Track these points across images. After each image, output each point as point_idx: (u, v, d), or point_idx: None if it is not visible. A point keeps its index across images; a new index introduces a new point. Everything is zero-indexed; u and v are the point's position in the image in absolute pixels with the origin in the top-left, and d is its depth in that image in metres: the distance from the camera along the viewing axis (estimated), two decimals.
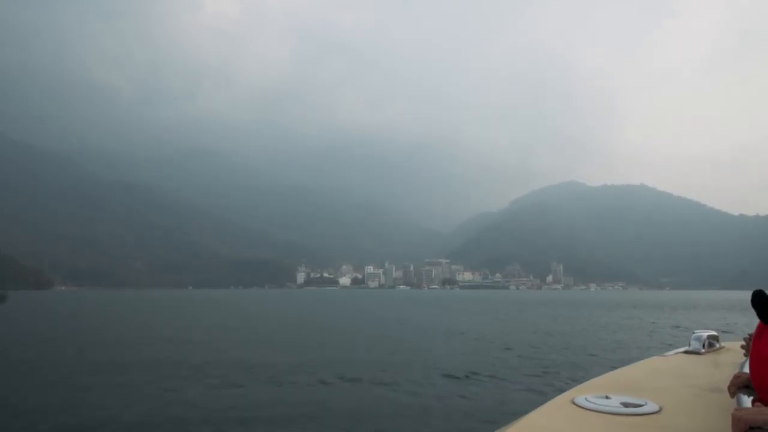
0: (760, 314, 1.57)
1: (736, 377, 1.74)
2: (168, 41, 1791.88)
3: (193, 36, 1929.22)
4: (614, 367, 2.71)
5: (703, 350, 2.94)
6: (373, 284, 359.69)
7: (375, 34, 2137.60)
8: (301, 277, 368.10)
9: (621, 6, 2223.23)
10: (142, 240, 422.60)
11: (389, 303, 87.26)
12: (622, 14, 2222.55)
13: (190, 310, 59.03)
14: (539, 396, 10.62)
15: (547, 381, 13.62)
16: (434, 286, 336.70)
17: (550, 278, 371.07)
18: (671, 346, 3.25)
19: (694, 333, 3.09)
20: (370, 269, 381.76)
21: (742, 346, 2.30)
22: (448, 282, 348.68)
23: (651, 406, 1.80)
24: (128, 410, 10.54)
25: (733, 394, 1.67)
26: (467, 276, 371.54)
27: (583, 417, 1.73)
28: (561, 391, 2.09)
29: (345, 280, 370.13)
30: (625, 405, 1.81)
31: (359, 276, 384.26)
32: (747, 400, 1.53)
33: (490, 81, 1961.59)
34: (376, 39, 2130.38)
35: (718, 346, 3.09)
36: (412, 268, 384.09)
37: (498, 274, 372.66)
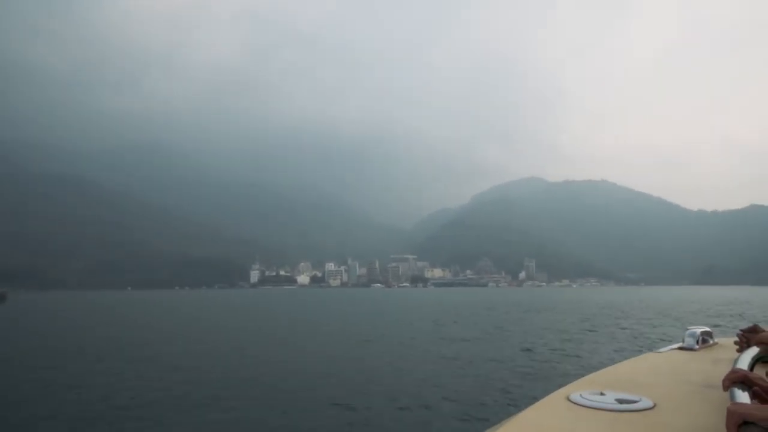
0: None
1: (731, 373, 1.73)
2: (107, 23, 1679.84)
3: (137, 19, 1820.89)
4: (609, 364, 2.69)
5: (697, 346, 2.94)
6: (334, 282, 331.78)
7: (330, 26, 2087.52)
8: (255, 276, 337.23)
9: (577, 2, 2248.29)
10: (77, 237, 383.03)
11: (361, 304, 75.68)
12: (579, 10, 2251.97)
13: (106, 314, 50.79)
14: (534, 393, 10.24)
15: None
16: (404, 284, 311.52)
17: (523, 275, 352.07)
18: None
19: (687, 329, 3.07)
20: (331, 266, 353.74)
21: (736, 342, 2.30)
22: (419, 279, 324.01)
23: (645, 403, 1.79)
24: None
25: (726, 388, 1.65)
26: (437, 273, 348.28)
27: (578, 413, 1.71)
28: (556, 387, 2.04)
29: (303, 279, 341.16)
30: (620, 401, 1.80)
31: (319, 274, 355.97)
32: (741, 396, 1.51)
33: (446, 76, 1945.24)
34: (332, 30, 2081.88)
35: (711, 342, 3.08)
36: (377, 264, 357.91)
37: (468, 271, 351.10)
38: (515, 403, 10.54)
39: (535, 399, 1.92)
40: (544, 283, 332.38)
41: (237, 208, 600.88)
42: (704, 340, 3.01)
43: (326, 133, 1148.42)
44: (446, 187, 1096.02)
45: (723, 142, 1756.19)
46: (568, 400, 1.84)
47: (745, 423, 1.26)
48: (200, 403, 11.35)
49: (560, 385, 2.06)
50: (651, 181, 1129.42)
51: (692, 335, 2.98)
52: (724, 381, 1.68)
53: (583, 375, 2.34)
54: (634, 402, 1.79)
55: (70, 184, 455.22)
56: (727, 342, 2.90)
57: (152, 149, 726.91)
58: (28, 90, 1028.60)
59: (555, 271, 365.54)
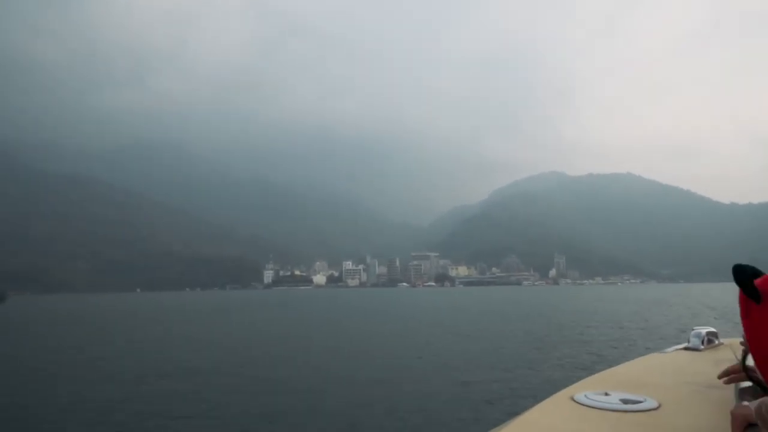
0: (747, 289, 1.44)
1: (734, 369, 1.74)
2: (109, 20, 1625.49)
3: (139, 15, 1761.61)
4: (613, 364, 2.68)
5: (702, 347, 2.90)
6: (353, 282, 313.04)
7: (339, 17, 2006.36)
8: (268, 276, 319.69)
9: None
10: (85, 238, 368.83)
11: (392, 306, 68.22)
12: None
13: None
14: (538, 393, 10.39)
15: None
16: (429, 283, 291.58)
17: (553, 272, 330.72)
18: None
19: (693, 330, 3.03)
20: (348, 265, 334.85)
21: (742, 343, 2.17)
22: (444, 278, 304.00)
23: (650, 403, 1.78)
24: None
25: (728, 382, 1.70)
26: (462, 271, 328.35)
27: (582, 414, 1.71)
28: (560, 388, 2.03)
29: (320, 279, 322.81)
30: (625, 402, 1.79)
31: (336, 273, 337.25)
32: (746, 397, 1.52)
33: (456, 68, 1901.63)
34: (340, 22, 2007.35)
35: (717, 342, 3.03)
36: (398, 263, 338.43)
37: (494, 269, 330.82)
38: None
39: (539, 399, 1.91)
40: (588, 281, 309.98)
41: (249, 207, 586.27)
42: (710, 340, 2.98)
43: (335, 129, 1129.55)
44: (461, 184, 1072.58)
45: (742, 132, 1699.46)
46: (573, 400, 1.83)
47: (751, 425, 1.25)
48: None
49: (564, 386, 2.05)
50: (676, 173, 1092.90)
51: (697, 335, 2.95)
52: (724, 374, 1.73)
53: (587, 375, 2.30)
54: (639, 402, 1.77)
55: (77, 184, 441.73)
56: (733, 342, 2.84)
57: (161, 148, 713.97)
58: (32, 90, 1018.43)
59: (585, 267, 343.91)
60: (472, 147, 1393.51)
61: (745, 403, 1.35)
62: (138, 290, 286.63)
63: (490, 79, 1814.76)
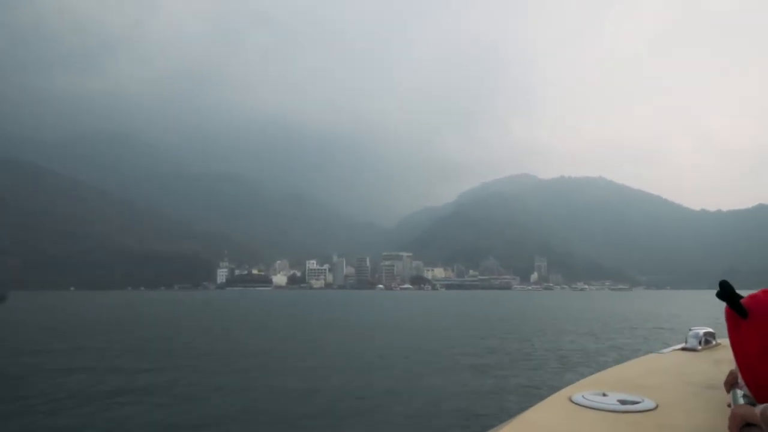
0: (734, 306, 1.48)
1: (732, 374, 1.70)
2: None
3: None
4: (611, 365, 2.64)
5: (699, 347, 2.87)
6: (317, 283, 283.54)
7: (306, 11, 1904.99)
8: (222, 275, 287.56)
9: None
10: (18, 231, 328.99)
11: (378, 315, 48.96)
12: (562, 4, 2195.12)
13: None
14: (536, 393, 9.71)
15: None
16: (406, 286, 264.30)
17: (535, 276, 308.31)
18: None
19: (690, 330, 3.00)
20: (312, 264, 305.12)
21: None
22: (420, 280, 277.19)
23: (648, 404, 1.76)
24: None
25: (729, 390, 1.62)
26: (438, 273, 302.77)
27: (580, 414, 1.68)
28: (558, 388, 2.00)
29: (280, 279, 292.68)
30: (622, 402, 1.76)
31: (298, 274, 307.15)
32: (743, 397, 1.48)
33: (424, 69, 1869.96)
34: (307, 17, 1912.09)
35: (714, 343, 3.00)
36: (368, 262, 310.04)
37: (471, 271, 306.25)
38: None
39: (537, 400, 1.89)
40: (586, 286, 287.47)
41: (207, 202, 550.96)
42: (707, 341, 2.96)
43: (298, 125, 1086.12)
44: (427, 185, 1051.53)
45: (700, 139, 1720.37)
46: (570, 401, 1.81)
47: (748, 425, 1.24)
48: None
49: (562, 386, 2.03)
50: (644, 178, 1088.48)
51: (695, 336, 2.93)
52: (725, 383, 1.67)
53: (585, 376, 2.29)
54: (637, 403, 1.76)
55: (16, 172, 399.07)
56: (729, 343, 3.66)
57: (115, 138, 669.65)
58: None
59: (567, 272, 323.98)
60: (436, 148, 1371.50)
61: (742, 402, 1.37)
62: (72, 288, 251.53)
63: (457, 79, 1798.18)
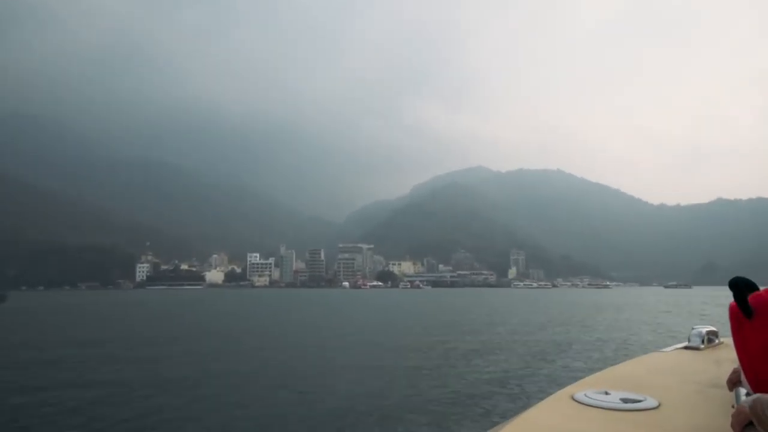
0: (741, 304, 1.49)
1: (735, 373, 1.70)
2: None
3: None
4: (613, 363, 2.63)
5: (702, 346, 2.85)
6: (260, 281, 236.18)
7: None
8: (143, 272, 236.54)
9: None
10: None
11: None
12: None
13: None
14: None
15: None
16: (375, 283, 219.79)
17: (513, 271, 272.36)
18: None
19: (693, 329, 2.98)
20: (255, 258, 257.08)
21: None
22: (389, 276, 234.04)
23: (650, 402, 1.75)
24: None
25: (731, 388, 1.63)
26: (406, 267, 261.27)
27: (582, 413, 1.68)
28: (560, 387, 2.00)
29: (215, 275, 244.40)
30: (625, 401, 1.76)
31: (238, 269, 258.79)
32: (746, 395, 1.45)
33: (364, 52, 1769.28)
34: None
35: (717, 341, 2.98)
36: (323, 255, 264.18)
37: (441, 266, 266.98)
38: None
39: (540, 398, 1.88)
40: (585, 282, 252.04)
41: (134, 191, 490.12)
42: (710, 339, 2.94)
43: (236, 113, 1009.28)
44: (374, 179, 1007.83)
45: (637, 133, 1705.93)
46: (573, 399, 1.80)
47: (751, 423, 1.24)
48: None
49: (565, 384, 2.02)
50: (596, 171, 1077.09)
51: (698, 335, 2.91)
52: (728, 381, 1.67)
53: (588, 374, 2.29)
54: (639, 401, 1.75)
55: None
56: (732, 342, 3.07)
57: (28, 121, 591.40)
58: None
59: (545, 267, 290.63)
60: (383, 139, 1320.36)
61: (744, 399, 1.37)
62: None
63: (402, 69, 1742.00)
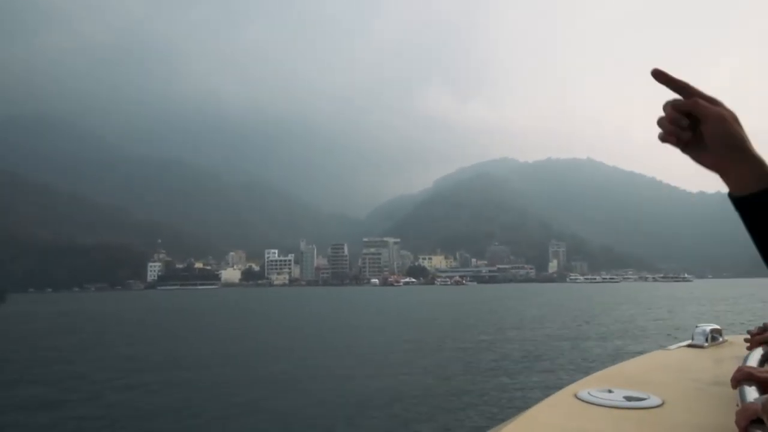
0: None
1: (739, 371, 1.59)
2: None
3: None
4: (617, 361, 2.62)
5: (706, 344, 2.83)
6: (279, 279, 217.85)
7: None
8: (154, 271, 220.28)
9: None
10: None
11: None
12: None
13: None
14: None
15: None
16: (408, 279, 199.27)
17: (554, 264, 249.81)
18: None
19: (697, 327, 2.96)
20: (273, 255, 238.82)
21: (746, 340, 2.24)
22: (421, 272, 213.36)
23: (654, 400, 1.71)
24: None
25: (735, 386, 1.52)
26: (437, 262, 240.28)
27: (585, 411, 1.65)
28: (564, 385, 1.96)
29: (231, 274, 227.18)
30: (628, 399, 1.72)
31: (256, 267, 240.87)
32: (751, 394, 1.39)
33: (385, 49, 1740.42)
34: None
35: (721, 339, 2.95)
36: (346, 250, 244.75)
37: (476, 260, 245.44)
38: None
39: (543, 396, 1.86)
40: (657, 275, 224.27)
41: (148, 190, 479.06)
42: (714, 337, 2.92)
43: (251, 109, 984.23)
44: (397, 174, 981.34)
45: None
46: (576, 397, 1.78)
47: (756, 421, 1.21)
48: None
49: (568, 383, 2.01)
50: (628, 159, 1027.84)
51: (701, 333, 2.90)
52: (732, 379, 1.58)
53: (591, 372, 2.29)
54: (643, 399, 1.73)
55: None
56: (737, 340, 2.78)
57: (37, 120, 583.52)
58: None
59: (587, 260, 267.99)
60: (402, 133, 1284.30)
61: (752, 399, 1.32)
62: None
63: (419, 60, 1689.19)
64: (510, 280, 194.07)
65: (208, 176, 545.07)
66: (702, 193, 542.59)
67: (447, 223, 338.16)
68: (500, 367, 15.94)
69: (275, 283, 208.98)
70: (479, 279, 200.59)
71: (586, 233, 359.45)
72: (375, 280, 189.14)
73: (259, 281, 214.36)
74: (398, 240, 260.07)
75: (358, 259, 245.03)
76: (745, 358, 1.87)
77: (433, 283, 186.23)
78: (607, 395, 1.74)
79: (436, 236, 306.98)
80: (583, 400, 1.71)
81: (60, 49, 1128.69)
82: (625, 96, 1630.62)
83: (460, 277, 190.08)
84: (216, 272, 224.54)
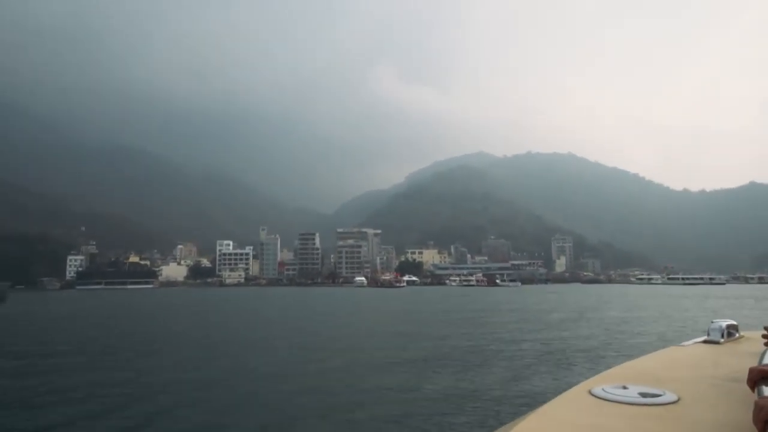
0: None
1: (752, 371, 1.63)
2: None
3: None
4: (632, 357, 2.57)
5: (722, 340, 2.78)
6: (232, 278, 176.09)
7: None
8: (73, 267, 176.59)
9: None
10: None
11: None
12: None
13: None
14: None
15: None
16: (410, 278, 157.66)
17: (561, 262, 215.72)
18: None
19: (712, 322, 2.90)
20: (227, 247, 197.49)
21: (763, 336, 2.23)
22: (412, 269, 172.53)
23: (669, 396, 1.70)
24: None
25: (753, 386, 1.55)
26: (428, 257, 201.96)
27: (600, 407, 1.64)
28: (578, 381, 1.95)
29: (175, 271, 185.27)
30: (643, 395, 1.71)
31: (206, 263, 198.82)
32: (767, 390, 1.44)
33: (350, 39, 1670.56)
34: None
35: (737, 335, 2.91)
36: (317, 241, 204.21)
37: (470, 256, 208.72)
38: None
39: (557, 393, 1.85)
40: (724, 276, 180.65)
41: (101, 180, 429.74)
42: (730, 333, 2.89)
43: (213, 97, 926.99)
44: (363, 171, 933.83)
45: (643, 114, 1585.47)
46: (591, 394, 1.77)
47: None
48: None
49: (583, 379, 1.98)
50: (608, 154, 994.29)
51: (717, 328, 2.85)
52: (748, 381, 1.61)
53: (606, 369, 2.25)
54: (658, 396, 1.71)
55: None
56: (753, 335, 2.76)
57: None
58: None
59: (594, 256, 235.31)
60: (367, 130, 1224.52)
61: (766, 395, 1.34)
62: None
63: (391, 50, 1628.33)
64: (528, 280, 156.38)
65: (167, 166, 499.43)
66: (686, 191, 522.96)
67: (428, 216, 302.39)
68: None
69: (227, 281, 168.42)
70: (535, 281, 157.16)
71: (579, 229, 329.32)
72: (361, 279, 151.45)
73: (209, 279, 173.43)
74: (379, 231, 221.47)
75: (331, 254, 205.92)
76: (762, 354, 1.93)
77: (443, 283, 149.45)
78: (621, 391, 1.72)
79: (417, 230, 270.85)
80: (597, 397, 1.70)
81: (8, 33, 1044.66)
82: (597, 88, 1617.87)
83: (485, 276, 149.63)
84: (156, 269, 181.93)
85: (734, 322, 2.89)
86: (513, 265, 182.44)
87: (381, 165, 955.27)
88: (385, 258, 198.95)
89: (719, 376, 1.97)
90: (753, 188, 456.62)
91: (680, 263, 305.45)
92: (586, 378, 1.98)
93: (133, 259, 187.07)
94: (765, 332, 2.18)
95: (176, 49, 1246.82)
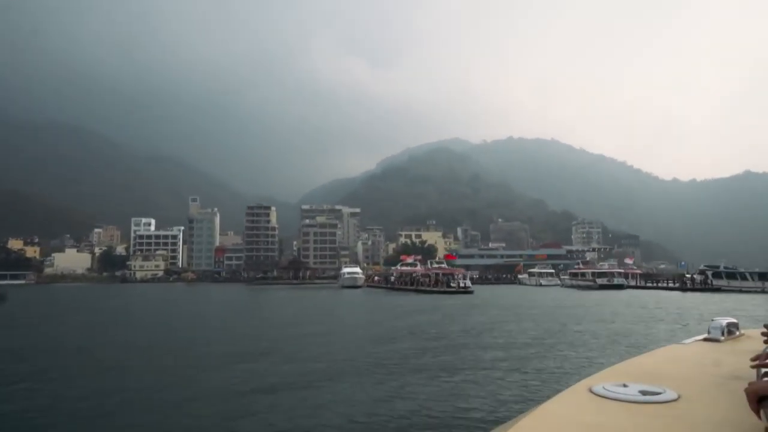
0: None
1: (756, 358, 1.69)
2: None
3: None
4: (632, 355, 2.57)
5: (722, 338, 2.77)
6: (146, 268, 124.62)
7: None
8: None
9: None
10: None
11: None
12: None
13: None
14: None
15: None
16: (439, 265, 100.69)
17: (593, 252, 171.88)
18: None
19: (713, 320, 2.90)
20: (146, 227, 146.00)
21: (763, 333, 2.19)
22: (427, 252, 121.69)
23: (669, 394, 1.70)
24: None
25: (757, 410, 1.46)
26: (430, 241, 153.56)
27: (600, 405, 1.64)
28: (578, 379, 1.94)
29: (72, 259, 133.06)
30: (644, 393, 1.71)
31: (120, 250, 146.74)
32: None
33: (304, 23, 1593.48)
34: None
35: (738, 333, 2.90)
36: (274, 218, 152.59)
37: (490, 244, 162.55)
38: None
39: (557, 391, 1.85)
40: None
41: (24, 157, 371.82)
42: (730, 331, 2.88)
43: (165, 74, 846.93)
44: (326, 159, 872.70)
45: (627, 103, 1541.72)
46: (591, 391, 1.76)
47: (763, 398, 1.25)
48: None
49: (583, 377, 1.98)
50: (590, 141, 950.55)
51: (718, 326, 2.85)
52: (750, 403, 1.52)
53: (606, 367, 2.24)
54: (658, 394, 1.71)
55: None
56: (754, 334, 2.73)
57: None
58: None
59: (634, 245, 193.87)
60: (330, 116, 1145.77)
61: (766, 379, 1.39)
62: None
63: (360, 29, 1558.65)
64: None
65: (109, 146, 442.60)
66: (676, 180, 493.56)
67: (410, 200, 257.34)
68: None
69: (137, 275, 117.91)
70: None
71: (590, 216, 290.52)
72: (353, 271, 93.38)
73: (117, 272, 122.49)
74: (357, 210, 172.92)
75: (293, 241, 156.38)
76: (763, 352, 1.87)
77: (514, 282, 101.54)
78: (622, 389, 1.71)
79: (399, 214, 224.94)
80: (597, 395, 1.69)
81: None
82: (582, 77, 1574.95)
83: (593, 275, 78.90)
84: (46, 258, 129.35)
85: (735, 320, 2.90)
86: (569, 252, 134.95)
87: (348, 152, 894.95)
88: (369, 243, 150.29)
89: (720, 374, 1.97)
90: (749, 177, 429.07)
91: (690, 258, 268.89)
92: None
93: (15, 244, 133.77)
94: (765, 330, 2.19)
95: (112, 24, 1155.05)
